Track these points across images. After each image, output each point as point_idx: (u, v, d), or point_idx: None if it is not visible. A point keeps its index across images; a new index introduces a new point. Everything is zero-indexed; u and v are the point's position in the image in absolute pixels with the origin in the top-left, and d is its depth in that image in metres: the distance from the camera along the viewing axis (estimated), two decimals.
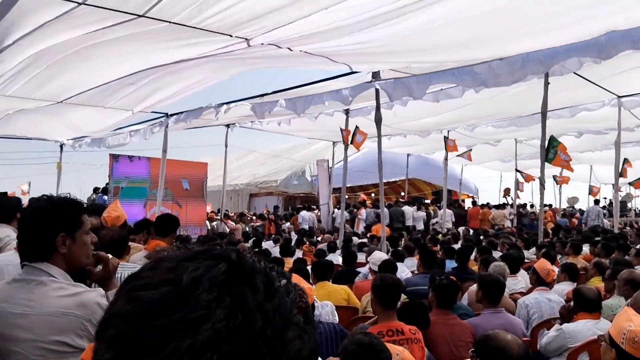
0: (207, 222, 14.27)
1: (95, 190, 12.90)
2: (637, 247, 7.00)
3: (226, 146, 12.57)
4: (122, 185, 11.89)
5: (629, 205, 20.77)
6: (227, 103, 8.37)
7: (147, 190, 12.23)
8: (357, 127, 9.43)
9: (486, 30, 5.09)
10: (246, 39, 4.65)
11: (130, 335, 0.47)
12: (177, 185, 12.91)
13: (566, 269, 4.92)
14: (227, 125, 11.62)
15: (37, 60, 5.14)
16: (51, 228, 1.75)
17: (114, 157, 11.87)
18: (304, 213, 15.20)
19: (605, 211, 14.42)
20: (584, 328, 3.50)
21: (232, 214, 17.39)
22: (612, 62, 6.34)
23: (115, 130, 10.40)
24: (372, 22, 4.44)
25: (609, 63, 6.31)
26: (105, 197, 11.87)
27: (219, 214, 14.03)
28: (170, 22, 4.16)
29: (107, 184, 12.10)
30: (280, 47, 5.03)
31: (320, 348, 3.26)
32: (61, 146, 12.42)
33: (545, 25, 5.00)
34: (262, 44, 4.84)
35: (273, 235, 11.47)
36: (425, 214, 15.84)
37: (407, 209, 15.38)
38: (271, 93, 7.78)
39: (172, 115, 9.12)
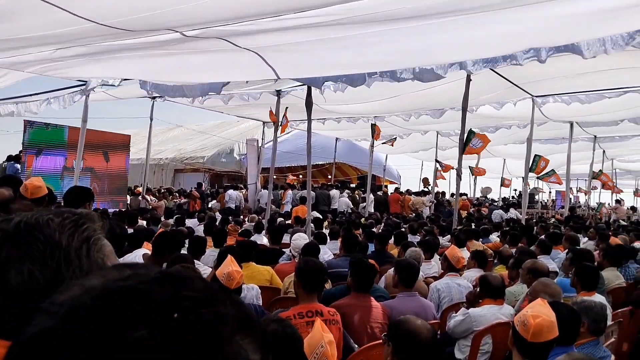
0: (129, 197, 13.82)
1: (9, 158, 12.04)
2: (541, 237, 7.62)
3: (151, 119, 12.18)
4: (37, 154, 11.24)
5: (536, 197, 22.43)
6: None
7: (64, 160, 11.63)
8: (286, 110, 9.46)
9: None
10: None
11: None
12: (97, 157, 12.38)
13: (475, 256, 5.27)
14: (153, 98, 11.23)
15: None
16: None
17: (29, 124, 11.15)
18: (231, 192, 15.07)
19: (502, 212, 15.48)
20: (489, 313, 3.79)
21: (158, 189, 16.94)
22: (528, 66, 6.83)
23: (31, 95, 9.73)
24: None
25: (526, 66, 6.80)
26: (18, 166, 11.15)
27: (142, 189, 13.62)
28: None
29: (20, 151, 11.35)
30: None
31: None
32: None
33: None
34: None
35: (197, 213, 11.31)
36: (348, 197, 16.19)
37: (334, 192, 15.67)
38: None
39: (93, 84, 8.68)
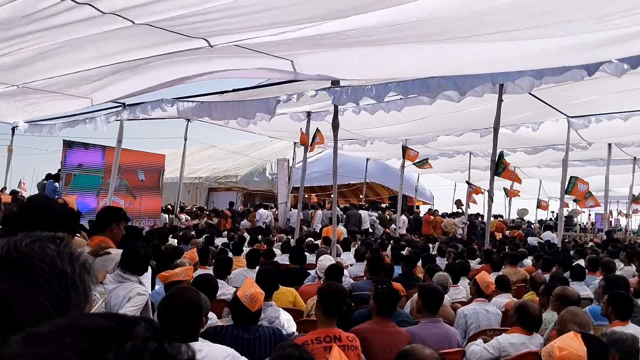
0: (165, 215, 14.07)
1: (48, 176, 12.48)
2: (576, 263, 7.34)
3: (185, 139, 12.43)
4: (75, 173, 11.60)
5: (574, 220, 21.66)
6: (184, 99, 8.28)
7: (101, 180, 11.96)
8: (317, 130, 9.50)
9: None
10: (206, 40, 4.65)
11: None
12: (133, 175, 12.68)
13: (497, 281, 5.12)
14: (188, 119, 11.49)
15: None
16: None
17: (68, 144, 11.56)
18: (262, 211, 15.17)
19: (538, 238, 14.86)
20: (518, 341, 3.65)
21: (190, 208, 17.22)
22: (564, 86, 6.71)
23: (70, 116, 10.12)
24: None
25: (561, 87, 6.68)
26: (57, 184, 11.52)
27: (175, 208, 13.86)
28: (134, 23, 4.13)
29: (59, 170, 11.75)
30: (243, 48, 5.04)
31: (259, 351, 3.31)
32: (13, 129, 11.99)
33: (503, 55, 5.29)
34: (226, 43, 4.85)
35: (226, 232, 11.41)
36: (375, 218, 16.01)
37: (363, 213, 15.55)
38: (232, 91, 7.74)
39: (129, 105, 8.95)
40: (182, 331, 2.43)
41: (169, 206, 15.55)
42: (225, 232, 11.25)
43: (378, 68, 5.86)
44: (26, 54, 5.10)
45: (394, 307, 3.80)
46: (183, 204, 17.49)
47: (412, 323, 4.14)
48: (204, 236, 9.19)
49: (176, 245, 7.84)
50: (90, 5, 3.72)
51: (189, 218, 14.88)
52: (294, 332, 3.97)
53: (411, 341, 3.54)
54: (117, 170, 10.24)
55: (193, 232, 10.21)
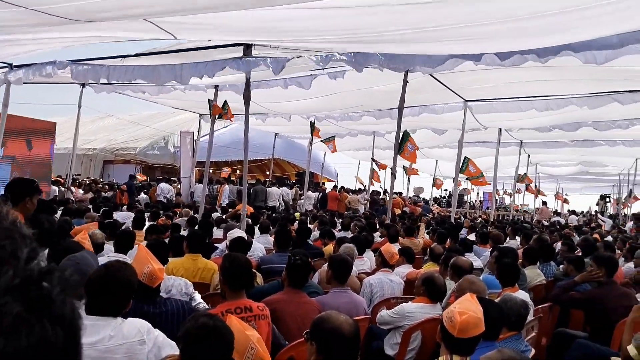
0: (55, 187, 13.11)
1: None
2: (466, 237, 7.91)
3: (79, 107, 11.53)
4: None
5: (465, 198, 23.35)
6: (80, 61, 7.66)
7: None
8: (225, 102, 9.26)
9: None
10: None
11: None
12: (20, 144, 11.64)
13: (403, 252, 5.39)
14: (82, 84, 10.66)
15: None
16: None
17: None
18: (163, 185, 14.60)
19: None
20: (423, 310, 3.87)
21: (84, 181, 16.19)
22: (462, 72, 7.10)
23: None
24: None
25: (459, 73, 7.06)
26: None
27: (67, 180, 12.91)
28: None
29: None
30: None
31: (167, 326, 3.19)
32: None
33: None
34: None
35: (125, 206, 10.87)
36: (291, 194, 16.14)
37: (272, 189, 15.53)
38: (133, 55, 7.28)
39: (17, 67, 8.11)
40: (110, 306, 2.33)
41: (60, 178, 14.48)
42: (125, 207, 10.70)
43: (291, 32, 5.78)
44: None
45: (305, 279, 3.85)
46: (78, 174, 16.42)
47: (321, 293, 4.23)
48: (101, 210, 8.70)
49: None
50: None
51: (82, 192, 13.97)
52: (203, 306, 3.88)
53: (322, 310, 3.61)
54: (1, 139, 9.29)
55: (90, 206, 9.61)
